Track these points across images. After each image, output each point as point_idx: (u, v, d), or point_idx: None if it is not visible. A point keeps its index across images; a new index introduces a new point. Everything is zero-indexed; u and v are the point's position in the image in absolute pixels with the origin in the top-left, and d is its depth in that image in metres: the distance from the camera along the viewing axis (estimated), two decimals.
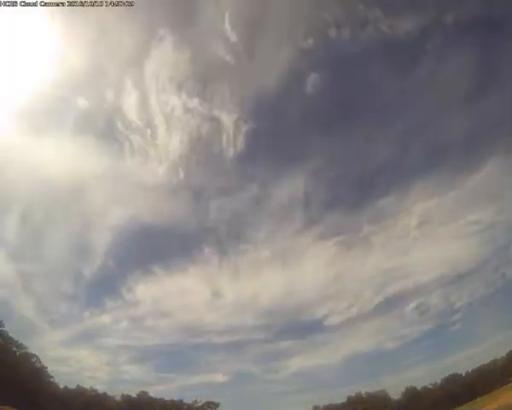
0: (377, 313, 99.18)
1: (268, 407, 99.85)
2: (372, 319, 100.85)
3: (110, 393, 79.72)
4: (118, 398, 78.83)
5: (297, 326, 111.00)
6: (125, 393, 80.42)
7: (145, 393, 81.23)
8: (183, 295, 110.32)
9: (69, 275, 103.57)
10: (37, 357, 68.46)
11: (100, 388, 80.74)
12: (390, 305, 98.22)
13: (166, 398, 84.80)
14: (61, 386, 72.30)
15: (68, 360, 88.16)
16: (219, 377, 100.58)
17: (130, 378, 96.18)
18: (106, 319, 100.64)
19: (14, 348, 64.65)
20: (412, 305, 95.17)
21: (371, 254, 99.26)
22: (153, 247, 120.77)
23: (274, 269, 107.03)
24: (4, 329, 63.11)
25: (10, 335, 63.99)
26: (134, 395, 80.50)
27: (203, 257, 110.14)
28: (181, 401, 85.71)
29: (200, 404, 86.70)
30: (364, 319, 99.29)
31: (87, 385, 78.19)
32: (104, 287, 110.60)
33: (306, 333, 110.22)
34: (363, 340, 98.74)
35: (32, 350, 68.77)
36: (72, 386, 74.48)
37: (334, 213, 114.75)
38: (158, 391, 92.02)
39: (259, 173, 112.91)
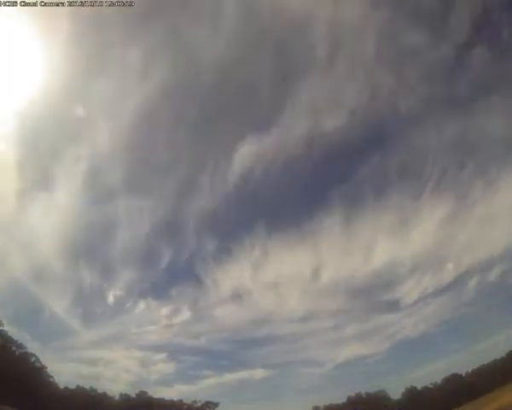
0: (446, 290, 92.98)
1: (269, 406, 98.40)
2: (440, 297, 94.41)
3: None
4: (117, 398, 78.99)
5: (372, 307, 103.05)
6: (124, 393, 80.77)
7: (144, 393, 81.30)
8: (272, 274, 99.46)
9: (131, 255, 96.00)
10: (36, 357, 68.59)
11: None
12: (460, 280, 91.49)
13: (175, 398, 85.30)
14: (62, 386, 72.60)
15: (98, 361, 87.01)
16: (259, 373, 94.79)
17: (160, 378, 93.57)
18: (164, 311, 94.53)
19: (14, 348, 64.73)
20: (474, 281, 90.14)
21: (471, 221, 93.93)
22: (256, 211, 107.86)
23: (383, 238, 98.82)
24: (4, 329, 63.35)
25: (10, 335, 64.22)
26: (133, 395, 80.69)
27: (322, 222, 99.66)
28: (181, 400, 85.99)
29: (199, 404, 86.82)
30: (435, 296, 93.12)
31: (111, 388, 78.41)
32: (173, 270, 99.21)
33: (374, 314, 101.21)
34: (419, 324, 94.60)
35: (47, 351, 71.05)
36: (72, 386, 74.65)
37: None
38: (184, 391, 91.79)
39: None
